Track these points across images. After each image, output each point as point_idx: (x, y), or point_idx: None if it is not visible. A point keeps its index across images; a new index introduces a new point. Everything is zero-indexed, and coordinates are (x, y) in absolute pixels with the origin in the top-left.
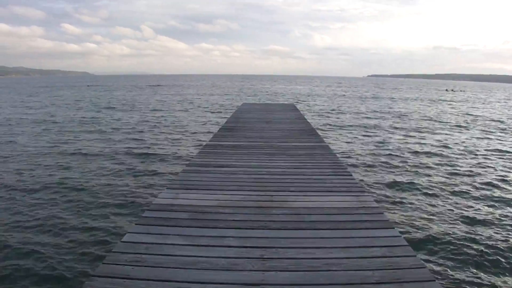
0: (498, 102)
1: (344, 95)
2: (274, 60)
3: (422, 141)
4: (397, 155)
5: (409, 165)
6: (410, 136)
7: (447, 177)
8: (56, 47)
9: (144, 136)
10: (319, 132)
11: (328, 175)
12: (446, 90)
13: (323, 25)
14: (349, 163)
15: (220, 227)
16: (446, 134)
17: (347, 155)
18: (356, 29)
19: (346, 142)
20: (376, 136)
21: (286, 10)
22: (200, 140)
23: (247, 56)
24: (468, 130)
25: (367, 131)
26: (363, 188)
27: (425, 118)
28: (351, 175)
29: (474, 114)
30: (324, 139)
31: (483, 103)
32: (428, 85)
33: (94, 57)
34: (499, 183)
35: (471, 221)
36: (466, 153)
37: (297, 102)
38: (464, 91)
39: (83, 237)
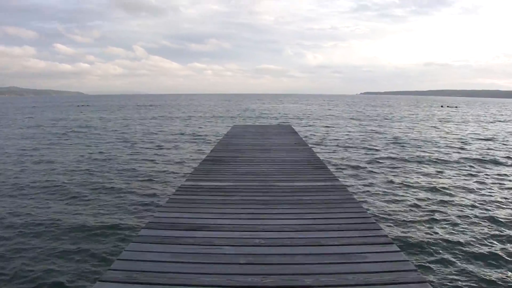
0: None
1: (342, 116)
2: (267, 79)
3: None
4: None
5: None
6: (431, 174)
7: None
8: (49, 67)
9: (89, 178)
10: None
11: (362, 243)
12: (442, 106)
13: (315, 44)
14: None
15: None
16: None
17: (365, 201)
18: (348, 47)
19: (358, 180)
20: (390, 171)
21: (278, 29)
22: (171, 182)
23: (240, 75)
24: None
25: (378, 163)
26: (422, 275)
27: (440, 145)
28: (392, 243)
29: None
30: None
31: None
32: (422, 102)
33: (88, 77)
34: None
35: None
36: None
37: (294, 125)
38: (458, 107)
39: None
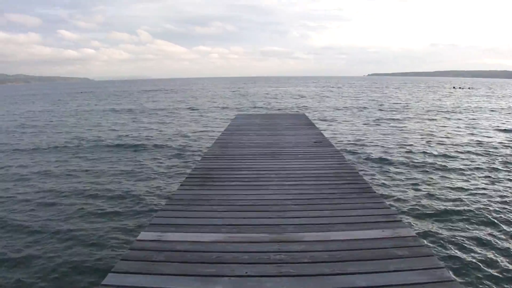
0: None
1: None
2: (273, 61)
3: None
4: None
5: None
6: None
7: None
8: (55, 54)
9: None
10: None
11: None
12: (454, 88)
13: (320, 25)
14: None
15: None
16: None
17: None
18: (354, 27)
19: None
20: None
21: (282, 10)
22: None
23: (245, 58)
24: None
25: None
26: None
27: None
28: None
29: None
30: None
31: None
32: (432, 83)
33: (94, 62)
34: None
35: None
36: None
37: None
38: (472, 88)
39: None
